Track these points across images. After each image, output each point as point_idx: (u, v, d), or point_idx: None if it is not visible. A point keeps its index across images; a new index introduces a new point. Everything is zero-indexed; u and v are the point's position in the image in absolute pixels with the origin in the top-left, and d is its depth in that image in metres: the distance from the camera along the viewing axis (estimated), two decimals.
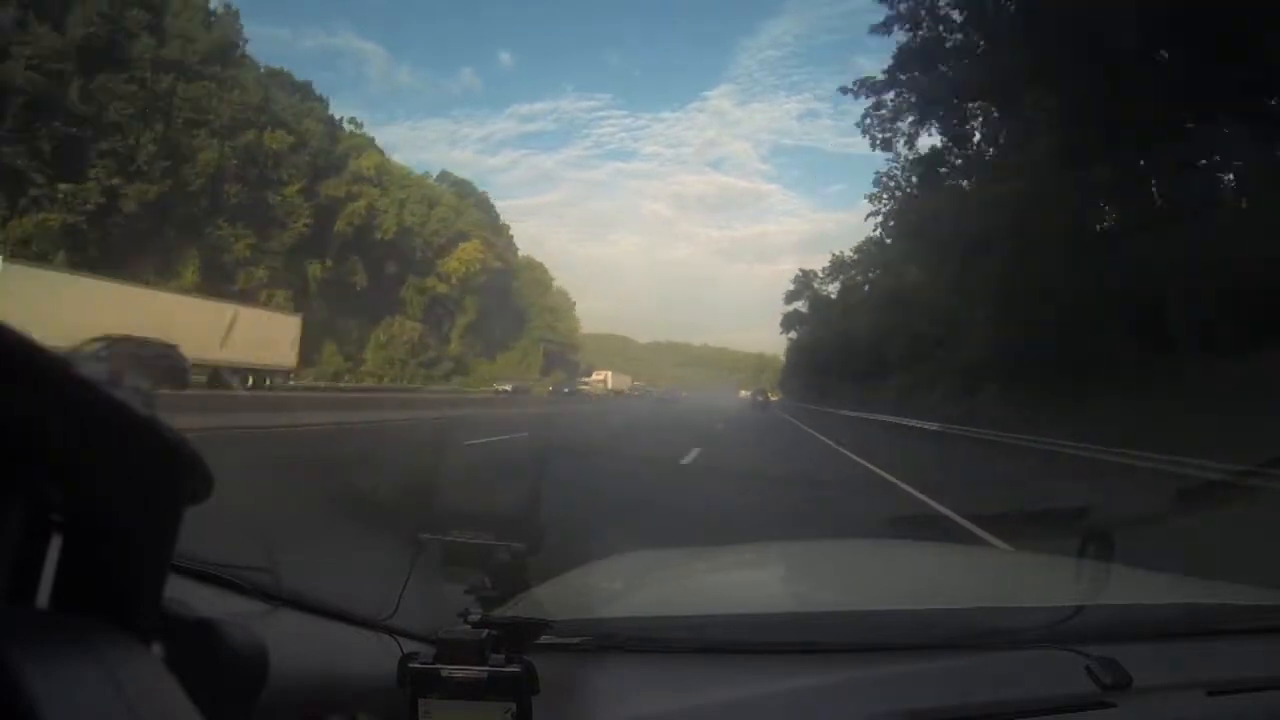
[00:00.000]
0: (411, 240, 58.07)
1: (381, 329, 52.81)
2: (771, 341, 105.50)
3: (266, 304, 44.43)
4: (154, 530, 0.52)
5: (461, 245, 59.64)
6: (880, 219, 45.02)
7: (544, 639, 1.06)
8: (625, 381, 73.45)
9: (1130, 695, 1.07)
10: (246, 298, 43.37)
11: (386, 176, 58.51)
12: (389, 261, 56.85)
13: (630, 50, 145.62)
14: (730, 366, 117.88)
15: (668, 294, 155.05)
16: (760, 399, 49.43)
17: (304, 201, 48.59)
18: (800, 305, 68.76)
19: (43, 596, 0.50)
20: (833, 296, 62.55)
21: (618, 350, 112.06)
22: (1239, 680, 1.16)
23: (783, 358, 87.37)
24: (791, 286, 69.00)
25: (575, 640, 1.14)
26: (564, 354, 75.35)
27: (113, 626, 0.49)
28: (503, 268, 64.33)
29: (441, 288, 59.14)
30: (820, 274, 66.61)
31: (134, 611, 0.52)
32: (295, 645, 0.88)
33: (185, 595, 0.62)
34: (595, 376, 65.92)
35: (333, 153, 53.96)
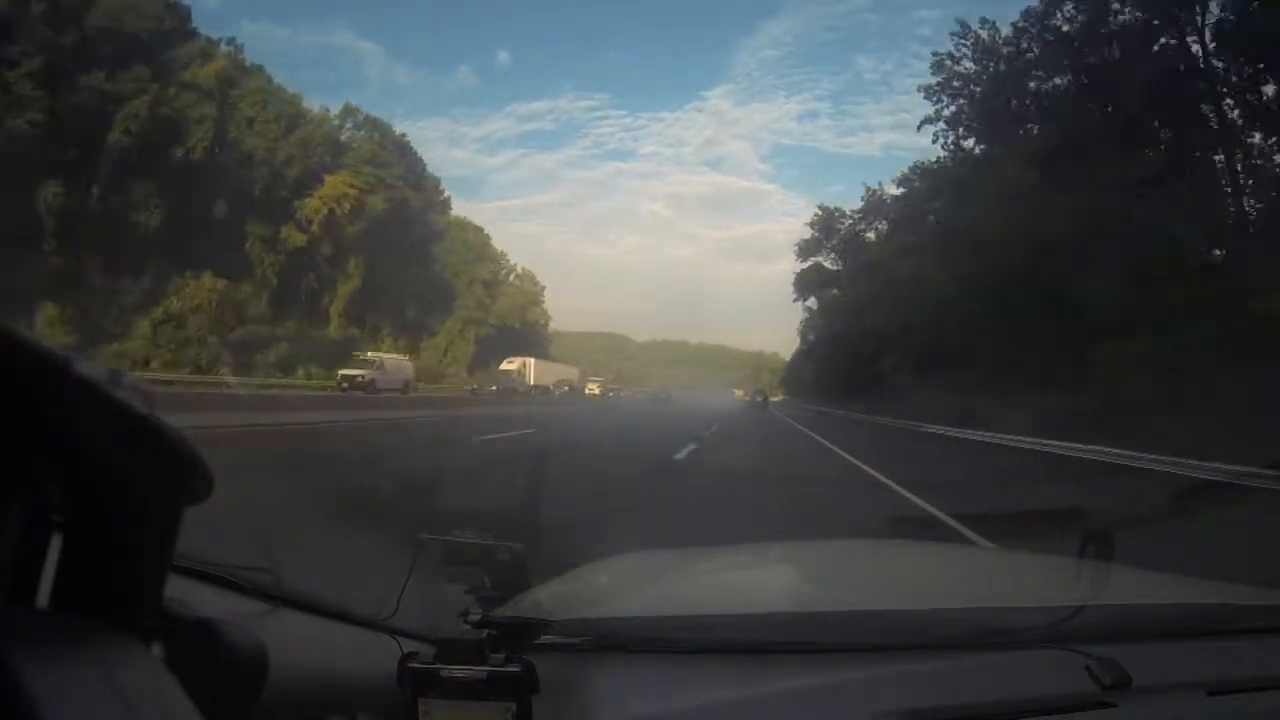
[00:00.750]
0: (253, 171, 39.43)
1: (172, 292, 34.12)
2: (770, 341, 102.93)
3: None
4: (154, 530, 0.51)
5: (325, 179, 40.77)
6: (943, 126, 31.55)
7: (544, 639, 1.06)
8: (570, 374, 52.24)
9: (1130, 695, 1.06)
10: None
11: (236, 91, 40.16)
12: (216, 198, 38.18)
13: (629, 50, 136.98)
14: (728, 365, 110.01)
15: (666, 293, 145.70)
16: (759, 399, 48.60)
17: (37, 90, 30.13)
18: (824, 259, 49.80)
19: (43, 596, 0.50)
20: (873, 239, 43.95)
21: (615, 348, 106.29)
22: (1239, 680, 1.15)
23: (783, 356, 70.29)
24: (809, 234, 50.02)
25: (575, 640, 1.13)
26: (530, 343, 54.16)
27: (113, 626, 0.49)
28: (394, 214, 43.75)
29: (298, 238, 40.26)
30: (851, 216, 48.22)
31: (134, 611, 0.51)
32: (295, 645, 0.88)
33: (185, 595, 0.62)
34: (507, 365, 44.51)
35: (155, 50, 35.69)
